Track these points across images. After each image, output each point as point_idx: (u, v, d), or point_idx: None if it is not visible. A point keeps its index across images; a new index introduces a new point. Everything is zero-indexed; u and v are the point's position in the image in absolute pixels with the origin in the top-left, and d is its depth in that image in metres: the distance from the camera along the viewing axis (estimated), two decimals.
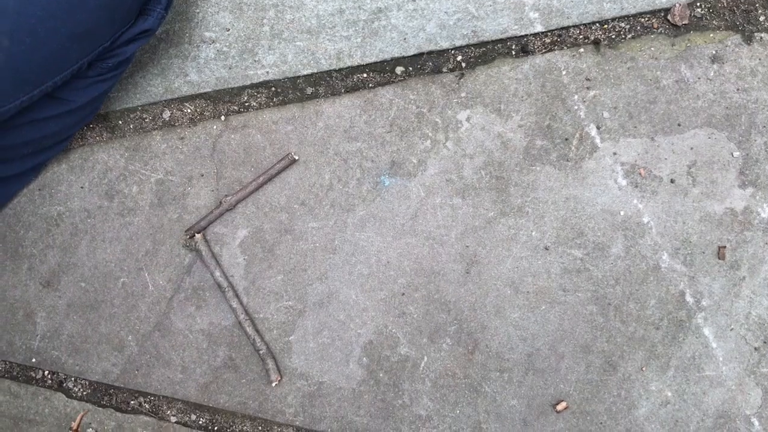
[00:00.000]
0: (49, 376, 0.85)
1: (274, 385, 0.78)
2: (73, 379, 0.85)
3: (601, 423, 0.76)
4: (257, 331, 0.79)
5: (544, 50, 0.76)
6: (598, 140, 0.75)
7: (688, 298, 0.74)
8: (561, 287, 0.76)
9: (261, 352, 0.78)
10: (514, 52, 0.76)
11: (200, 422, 0.82)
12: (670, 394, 0.75)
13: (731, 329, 0.74)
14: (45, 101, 0.70)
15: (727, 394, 0.74)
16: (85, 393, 0.85)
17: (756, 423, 0.74)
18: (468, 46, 0.77)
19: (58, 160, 0.83)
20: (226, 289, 0.79)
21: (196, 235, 0.79)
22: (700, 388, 0.75)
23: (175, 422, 0.82)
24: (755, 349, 0.74)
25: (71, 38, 0.64)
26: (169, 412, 0.82)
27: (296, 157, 0.78)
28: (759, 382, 0.74)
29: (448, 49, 0.77)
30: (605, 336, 0.75)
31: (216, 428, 0.81)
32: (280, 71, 0.79)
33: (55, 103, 0.72)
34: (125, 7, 0.66)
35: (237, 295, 0.79)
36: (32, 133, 0.74)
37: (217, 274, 0.79)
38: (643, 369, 0.75)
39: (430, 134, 0.77)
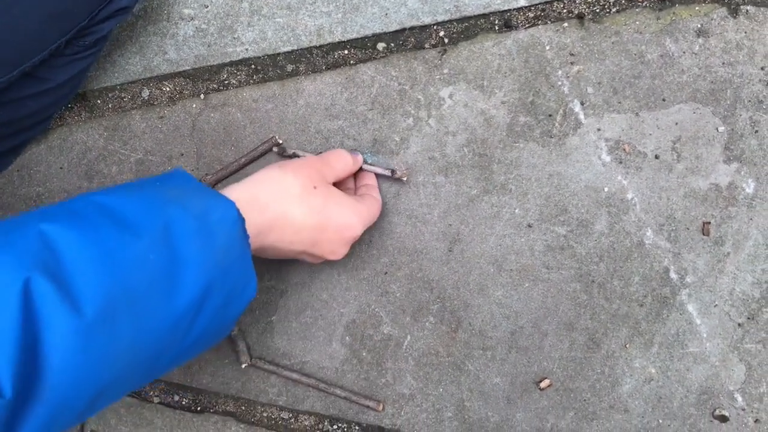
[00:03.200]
0: None
1: (243, 366, 0.78)
2: None
3: (584, 400, 0.75)
4: None
5: (527, 25, 0.75)
6: (582, 116, 0.74)
7: (672, 275, 0.74)
8: (544, 265, 0.75)
9: (232, 333, 0.78)
10: (497, 27, 0.75)
11: (183, 403, 0.81)
12: (653, 370, 0.75)
13: (715, 305, 0.74)
14: (23, 80, 0.69)
15: (710, 370, 0.74)
16: None
17: (739, 398, 0.74)
18: (450, 21, 0.76)
19: (37, 141, 0.82)
20: None
21: None
22: (683, 364, 0.74)
23: (158, 403, 0.82)
24: (739, 325, 0.73)
25: (48, 18, 0.63)
26: (152, 393, 0.82)
27: (281, 141, 0.77)
28: (742, 357, 0.73)
29: (430, 25, 0.76)
30: (589, 313, 0.75)
31: (199, 408, 0.81)
32: (260, 48, 0.78)
33: (34, 82, 0.70)
34: None
35: None
36: (11, 113, 0.73)
37: None
38: (627, 346, 0.75)
39: (412, 111, 0.76)
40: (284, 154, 0.76)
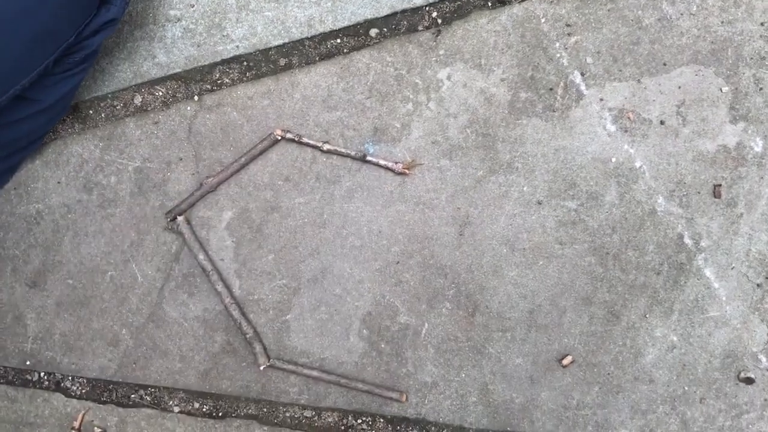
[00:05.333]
0: (46, 378, 0.84)
1: (262, 368, 0.77)
2: (70, 378, 0.83)
3: (608, 374, 0.75)
4: (243, 314, 0.78)
5: None
6: (583, 87, 0.73)
7: (687, 240, 0.73)
8: (557, 241, 0.74)
9: (248, 336, 0.77)
10: (490, 4, 0.74)
11: (204, 410, 0.80)
12: (675, 338, 0.74)
13: (732, 268, 0.73)
14: (15, 103, 0.67)
15: (732, 333, 0.73)
16: (83, 391, 0.83)
17: (763, 359, 0.73)
18: (442, 1, 0.74)
19: (32, 157, 0.81)
20: (211, 273, 0.77)
21: (178, 217, 0.77)
22: (705, 329, 0.74)
23: (179, 412, 0.81)
24: (758, 285, 0.73)
25: (33, 39, 0.61)
26: (171, 402, 0.81)
27: (278, 138, 0.75)
28: (764, 318, 0.73)
29: (422, 6, 0.74)
30: (606, 286, 0.74)
31: (220, 414, 0.80)
32: (251, 44, 0.76)
33: (25, 104, 0.69)
34: (84, 0, 0.63)
35: (222, 279, 0.78)
36: (4, 136, 0.71)
37: (201, 257, 0.77)
38: (647, 316, 0.74)
39: (411, 96, 0.75)
40: (287, 138, 0.75)
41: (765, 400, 0.73)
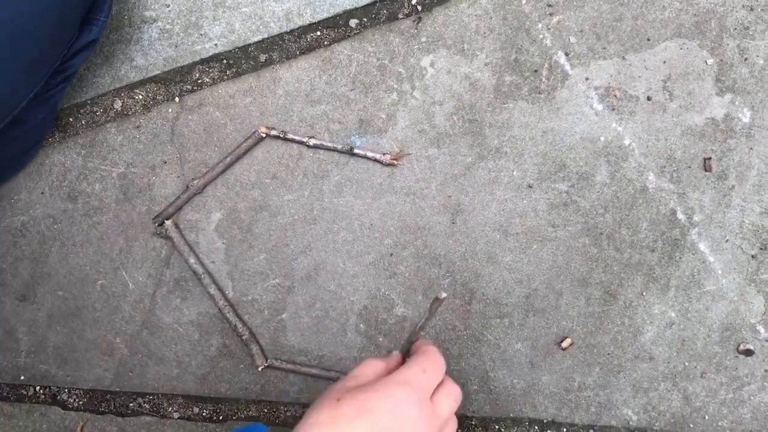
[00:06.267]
0: (41, 391, 0.83)
1: (260, 369, 0.76)
2: (66, 390, 0.82)
3: (608, 354, 0.74)
4: (238, 316, 0.77)
5: None
6: (568, 67, 0.73)
7: (680, 216, 0.73)
8: (550, 224, 0.74)
9: (244, 337, 0.76)
10: None
11: (204, 414, 0.80)
12: (673, 314, 0.74)
13: (726, 241, 0.73)
14: (6, 126, 0.67)
15: (730, 306, 0.73)
16: (81, 402, 0.82)
17: (762, 330, 0.73)
18: None
19: None
20: (203, 276, 0.76)
21: (166, 221, 0.76)
22: (702, 304, 0.73)
23: (178, 418, 0.80)
24: (752, 257, 0.73)
25: (22, 69, 0.60)
26: (170, 408, 0.80)
27: (263, 135, 0.74)
28: (760, 289, 0.73)
29: None
30: (601, 266, 0.74)
31: (221, 417, 0.79)
32: (229, 41, 0.75)
33: (13, 127, 0.68)
34: (68, 25, 0.63)
35: (214, 281, 0.77)
36: None
37: (192, 261, 0.76)
38: (644, 294, 0.74)
39: (395, 86, 0.74)
40: (272, 135, 0.74)
41: (765, 371, 0.73)
